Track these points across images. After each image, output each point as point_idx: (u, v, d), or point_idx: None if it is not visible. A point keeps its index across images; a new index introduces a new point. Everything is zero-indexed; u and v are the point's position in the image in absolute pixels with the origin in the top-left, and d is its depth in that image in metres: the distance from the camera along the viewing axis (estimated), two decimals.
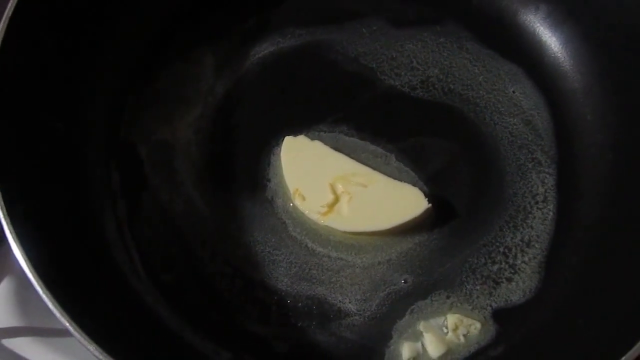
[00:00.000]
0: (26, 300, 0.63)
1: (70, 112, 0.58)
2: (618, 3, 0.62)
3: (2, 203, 0.49)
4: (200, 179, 0.62)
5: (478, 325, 0.57)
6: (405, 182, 0.60)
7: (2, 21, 0.51)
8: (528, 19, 0.68)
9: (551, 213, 0.61)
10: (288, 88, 0.66)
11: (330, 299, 0.58)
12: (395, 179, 0.60)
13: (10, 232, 0.48)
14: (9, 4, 0.51)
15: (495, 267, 0.59)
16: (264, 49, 0.67)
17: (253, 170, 0.62)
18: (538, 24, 0.68)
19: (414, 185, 0.60)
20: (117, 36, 0.64)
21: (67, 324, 0.47)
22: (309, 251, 0.59)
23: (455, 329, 0.57)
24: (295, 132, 0.63)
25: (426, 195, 0.58)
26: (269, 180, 0.62)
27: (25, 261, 0.48)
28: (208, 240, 0.60)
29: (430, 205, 0.57)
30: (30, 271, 0.47)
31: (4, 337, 0.61)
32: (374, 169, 0.61)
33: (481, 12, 0.68)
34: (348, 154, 0.62)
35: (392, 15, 0.68)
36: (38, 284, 0.47)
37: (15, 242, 0.48)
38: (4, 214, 0.48)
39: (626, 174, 0.61)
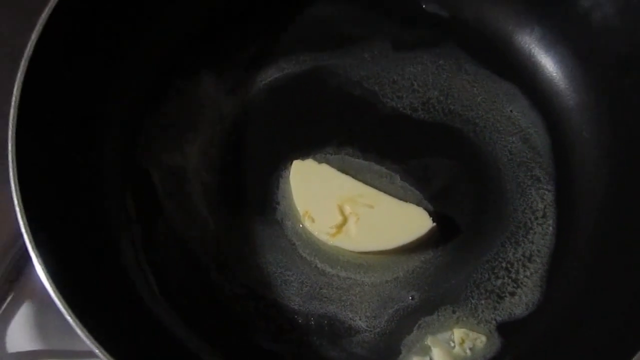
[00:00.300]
0: (46, 324, 0.64)
1: (87, 143, 0.61)
2: (608, 25, 0.65)
3: (28, 231, 0.51)
4: (212, 203, 0.64)
5: (484, 338, 0.59)
6: (410, 201, 0.63)
7: (23, 60, 0.53)
8: (524, 40, 0.70)
9: (551, 228, 0.63)
10: (294, 113, 0.68)
11: (341, 316, 0.60)
12: (400, 198, 0.63)
13: (37, 258, 0.50)
14: (29, 44, 0.54)
15: (499, 281, 0.61)
16: (269, 75, 0.69)
17: (263, 194, 0.65)
18: (533, 45, 0.70)
19: (419, 203, 0.63)
20: (129, 65, 0.66)
21: (94, 347, 0.49)
22: (319, 271, 0.61)
23: (462, 342, 0.59)
24: (302, 156, 0.65)
25: (431, 214, 0.61)
26: (278, 203, 0.64)
27: (52, 287, 0.50)
28: (222, 262, 0.62)
29: (435, 224, 0.60)
30: (57, 296, 0.50)
31: None
32: (380, 189, 0.63)
33: (478, 34, 0.71)
34: (354, 175, 0.64)
35: (392, 39, 0.71)
36: (64, 308, 0.49)
37: (42, 268, 0.50)
38: (30, 240, 0.51)
39: (622, 188, 0.63)
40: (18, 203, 0.52)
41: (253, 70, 0.69)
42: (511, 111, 0.68)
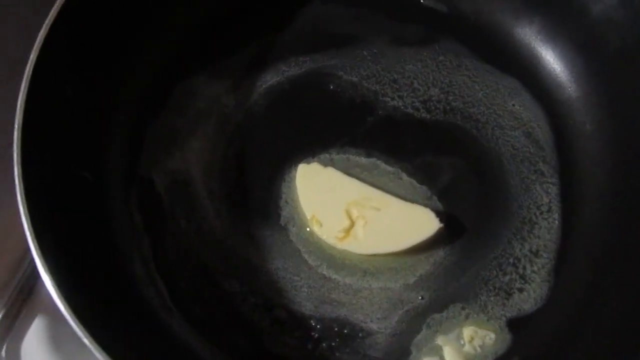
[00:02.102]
0: (58, 338, 0.65)
1: (91, 157, 0.61)
2: (609, 16, 0.64)
3: (37, 248, 0.51)
4: (217, 210, 0.65)
5: (493, 335, 0.59)
6: (418, 198, 0.63)
7: (24, 79, 0.53)
8: (524, 33, 0.70)
9: (556, 222, 0.64)
10: (295, 116, 0.68)
11: (352, 319, 0.60)
12: (408, 195, 0.63)
13: (46, 273, 0.50)
14: (30, 58, 0.53)
15: (507, 278, 0.62)
16: (269, 79, 0.69)
17: (268, 199, 0.65)
18: (533, 37, 0.70)
19: (428, 200, 0.63)
20: (129, 75, 0.66)
21: (101, 356, 0.49)
22: (326, 278, 0.62)
23: (471, 340, 0.59)
24: (305, 159, 0.65)
25: (439, 212, 0.61)
26: (282, 208, 0.64)
27: (63, 303, 0.50)
28: (232, 270, 0.62)
29: (442, 225, 0.60)
30: (67, 312, 0.50)
31: None
32: (387, 187, 0.63)
33: (478, 29, 0.71)
34: (360, 175, 0.64)
35: (391, 37, 0.70)
36: (76, 324, 0.50)
37: (51, 285, 0.50)
38: (39, 258, 0.51)
39: (627, 179, 0.64)
40: (26, 220, 0.52)
41: (252, 74, 0.69)
42: (513, 105, 0.68)
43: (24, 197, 0.52)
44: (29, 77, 0.53)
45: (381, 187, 0.64)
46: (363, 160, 0.66)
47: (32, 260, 0.52)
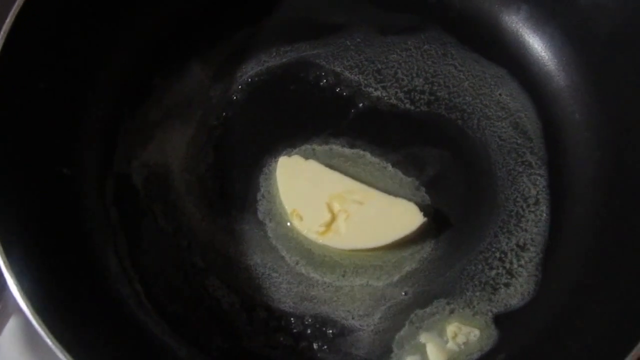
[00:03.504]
0: (34, 337, 0.63)
1: (65, 152, 0.59)
2: (596, 3, 0.63)
3: (1, 249, 0.49)
4: (196, 204, 0.63)
5: (477, 332, 0.58)
6: (404, 189, 0.61)
7: None
8: (510, 21, 0.68)
9: (544, 214, 0.62)
10: (277, 107, 0.66)
11: (333, 316, 0.59)
12: (394, 186, 0.62)
13: (10, 274, 0.49)
14: None
15: (493, 272, 0.60)
16: (250, 69, 0.67)
17: (246, 192, 0.63)
18: (520, 25, 0.68)
19: (416, 191, 0.62)
20: (106, 67, 0.64)
21: None
22: (304, 276, 0.60)
23: (455, 336, 0.58)
24: (286, 151, 0.64)
25: (424, 207, 0.60)
26: (259, 202, 0.63)
27: (27, 304, 0.48)
28: (210, 266, 0.61)
29: (426, 219, 0.58)
30: (32, 313, 0.48)
31: None
32: (371, 179, 0.62)
33: (464, 17, 0.69)
34: (343, 166, 0.62)
35: (375, 26, 0.69)
36: (41, 327, 0.48)
37: (16, 285, 0.49)
38: (2, 256, 0.49)
39: (615, 170, 0.62)
40: None
41: (232, 65, 0.67)
42: (500, 95, 0.66)
43: None
44: None
45: (366, 179, 0.62)
46: (347, 151, 0.64)
47: None
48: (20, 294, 0.48)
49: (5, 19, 0.53)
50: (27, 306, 0.48)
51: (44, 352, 0.63)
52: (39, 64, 0.57)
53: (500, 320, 0.59)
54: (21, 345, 0.63)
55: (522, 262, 0.60)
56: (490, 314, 0.59)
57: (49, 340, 0.47)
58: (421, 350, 0.58)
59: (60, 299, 0.52)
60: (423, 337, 0.58)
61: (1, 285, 0.64)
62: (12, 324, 0.64)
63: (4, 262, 0.48)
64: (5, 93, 0.53)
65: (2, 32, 0.52)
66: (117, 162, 0.63)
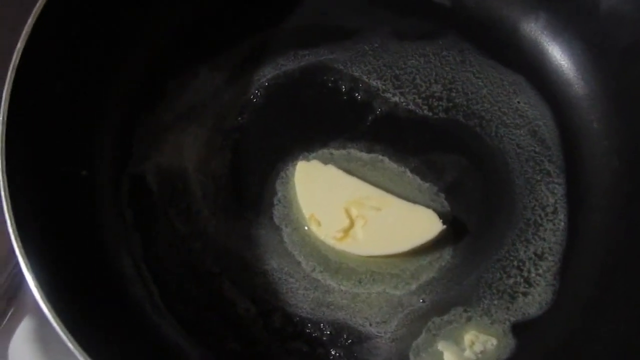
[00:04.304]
0: (46, 338, 0.63)
1: (81, 154, 0.59)
2: (617, 10, 0.63)
3: (20, 248, 0.49)
4: (211, 207, 0.63)
5: (494, 341, 0.57)
6: (423, 196, 0.61)
7: (10, 70, 0.51)
8: (529, 28, 0.68)
9: (562, 223, 0.62)
10: (293, 111, 0.66)
11: (351, 323, 0.58)
12: (412, 193, 0.61)
13: (29, 273, 0.49)
14: (15, 53, 0.51)
15: (511, 281, 0.60)
16: (267, 73, 0.67)
17: (262, 197, 0.63)
18: (539, 33, 0.68)
19: (435, 198, 0.62)
20: (121, 69, 0.64)
21: None
22: (320, 283, 0.60)
23: (472, 345, 0.58)
24: (303, 156, 0.63)
25: (442, 214, 0.59)
26: (276, 206, 0.62)
27: (47, 305, 0.48)
28: (225, 270, 0.60)
29: (444, 226, 0.58)
30: (51, 314, 0.48)
31: None
32: (390, 185, 0.61)
33: (482, 23, 0.69)
34: (361, 170, 0.62)
35: (393, 31, 0.68)
36: (59, 325, 0.48)
37: (35, 285, 0.48)
38: (23, 258, 0.49)
39: (633, 179, 0.62)
40: (10, 219, 0.50)
41: (249, 68, 0.67)
42: (518, 102, 0.66)
43: (8, 195, 0.50)
44: (14, 70, 0.51)
45: (384, 184, 0.62)
46: (364, 155, 0.64)
47: (17, 260, 0.50)
48: (40, 294, 0.47)
49: (24, 26, 0.53)
50: (46, 305, 0.47)
51: (55, 353, 0.63)
52: (57, 69, 0.57)
53: (518, 329, 0.58)
54: (34, 346, 0.63)
55: (540, 271, 0.60)
56: (507, 322, 0.58)
57: (66, 339, 0.47)
58: (438, 358, 0.57)
59: (76, 300, 0.51)
60: (440, 345, 0.57)
61: (15, 287, 0.64)
62: (25, 326, 0.64)
63: (25, 263, 0.48)
64: (25, 97, 0.53)
65: (20, 39, 0.52)
66: (133, 165, 0.63)
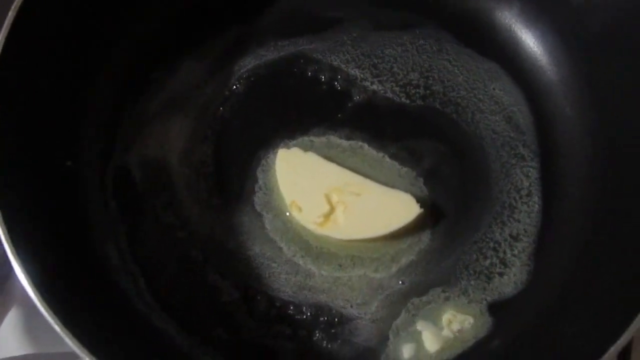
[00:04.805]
0: (34, 328, 0.64)
1: (65, 145, 0.60)
2: (587, 0, 0.64)
3: (8, 238, 0.50)
4: (195, 198, 0.64)
5: (471, 320, 0.59)
6: (402, 180, 0.63)
7: None
8: (503, 17, 0.70)
9: (537, 206, 0.63)
10: (274, 100, 0.67)
11: (332, 305, 0.60)
12: (392, 178, 0.63)
13: (18, 264, 0.49)
14: None
15: (487, 262, 0.62)
16: (247, 64, 0.68)
17: (244, 185, 0.64)
18: (514, 21, 0.69)
19: (413, 183, 0.63)
20: (104, 61, 0.65)
21: (81, 352, 0.48)
22: (302, 267, 0.61)
23: (449, 323, 0.59)
24: (284, 144, 0.65)
25: (421, 198, 0.61)
26: (257, 194, 0.63)
27: (35, 294, 0.49)
28: (210, 258, 0.62)
29: (422, 210, 0.60)
30: (40, 302, 0.49)
31: None
32: (369, 171, 0.63)
33: (458, 13, 0.70)
34: (341, 156, 0.64)
35: (371, 21, 0.70)
36: (49, 314, 0.49)
37: (24, 275, 0.49)
38: (10, 248, 0.50)
39: (605, 162, 0.63)
40: None
41: (230, 59, 0.68)
42: (493, 89, 0.68)
43: None
44: None
45: (364, 170, 0.63)
46: (344, 142, 0.65)
47: (4, 250, 0.51)
48: (28, 283, 0.48)
49: (5, 17, 0.53)
50: (35, 294, 0.48)
51: (43, 343, 0.64)
52: (41, 61, 0.58)
53: (495, 308, 0.60)
54: (21, 336, 0.64)
55: (515, 252, 0.62)
56: (484, 302, 0.60)
57: (56, 327, 0.47)
58: (417, 337, 0.59)
59: (64, 290, 0.52)
60: (419, 325, 0.59)
61: (3, 277, 0.65)
62: (12, 316, 0.65)
63: (12, 253, 0.49)
64: (10, 89, 0.54)
65: (2, 31, 0.53)
66: (117, 156, 0.64)
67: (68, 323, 0.49)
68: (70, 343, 0.48)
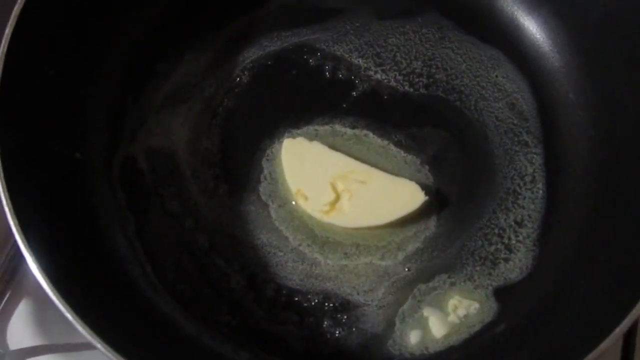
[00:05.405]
0: (44, 319, 0.65)
1: (72, 136, 0.60)
2: None
3: (19, 230, 0.50)
4: (202, 187, 0.64)
5: (477, 305, 0.60)
6: (408, 168, 0.63)
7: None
8: (505, 3, 0.70)
9: (540, 191, 0.64)
10: (278, 91, 0.67)
11: (339, 292, 0.61)
12: (397, 167, 0.63)
13: (29, 255, 0.50)
14: (3, 38, 0.52)
15: (492, 248, 0.62)
16: (251, 54, 0.68)
17: (250, 175, 0.64)
18: (516, 8, 0.70)
19: (419, 170, 0.63)
20: (109, 52, 0.65)
21: (93, 339, 0.49)
22: (308, 255, 0.62)
23: (455, 309, 0.60)
24: (289, 133, 0.65)
25: (426, 186, 0.61)
26: (263, 183, 0.64)
27: (47, 283, 0.49)
28: (217, 246, 0.62)
29: (427, 197, 0.60)
30: (52, 291, 0.49)
31: (27, 357, 0.63)
32: (375, 160, 0.63)
33: (460, 1, 0.70)
34: (346, 145, 0.64)
35: (374, 10, 0.70)
36: (61, 303, 0.49)
37: (35, 265, 0.50)
38: (22, 240, 0.50)
39: (608, 147, 0.64)
40: (6, 201, 0.51)
41: (234, 50, 0.68)
42: (496, 76, 0.68)
43: (3, 177, 0.51)
44: (4, 55, 0.52)
45: (369, 158, 0.64)
46: (349, 131, 0.65)
47: (16, 241, 0.51)
48: (40, 273, 0.49)
49: (12, 10, 0.54)
50: (47, 284, 0.49)
51: (54, 334, 0.64)
52: (47, 54, 0.58)
53: (500, 294, 0.60)
54: (33, 327, 0.65)
55: (520, 238, 0.62)
56: (490, 287, 0.61)
57: (70, 316, 0.48)
58: (423, 323, 0.60)
59: (75, 280, 0.53)
60: (425, 311, 0.60)
61: (12, 270, 0.65)
62: (22, 308, 0.65)
63: (24, 245, 0.49)
64: (17, 82, 0.54)
65: (8, 24, 0.53)
66: (123, 147, 0.65)
67: (80, 312, 0.49)
68: (84, 332, 0.48)
